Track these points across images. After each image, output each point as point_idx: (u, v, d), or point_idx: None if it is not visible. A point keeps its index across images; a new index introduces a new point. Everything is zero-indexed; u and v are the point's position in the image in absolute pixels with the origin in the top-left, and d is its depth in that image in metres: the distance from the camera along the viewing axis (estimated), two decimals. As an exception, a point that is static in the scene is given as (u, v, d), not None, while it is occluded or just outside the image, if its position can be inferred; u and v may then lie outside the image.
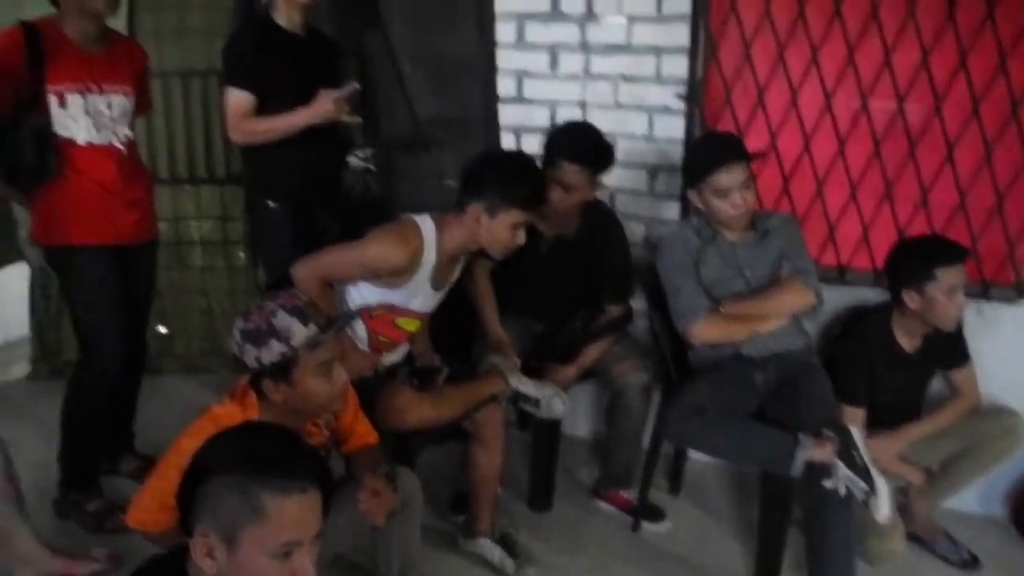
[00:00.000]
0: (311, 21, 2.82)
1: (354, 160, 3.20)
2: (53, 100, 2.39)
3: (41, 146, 2.38)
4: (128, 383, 2.78)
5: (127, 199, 2.57)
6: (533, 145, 2.88)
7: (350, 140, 3.20)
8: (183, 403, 3.18)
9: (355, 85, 2.69)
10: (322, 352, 1.74)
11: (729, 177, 2.36)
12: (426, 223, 2.22)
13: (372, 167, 3.27)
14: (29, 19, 2.41)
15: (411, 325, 2.34)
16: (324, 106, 2.63)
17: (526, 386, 2.37)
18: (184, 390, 3.48)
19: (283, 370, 1.72)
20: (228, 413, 1.75)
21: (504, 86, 3.05)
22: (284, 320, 1.71)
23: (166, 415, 2.66)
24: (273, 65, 2.66)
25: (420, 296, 2.28)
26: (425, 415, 2.26)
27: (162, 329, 3.65)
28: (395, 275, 2.19)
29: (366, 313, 2.26)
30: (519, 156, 2.44)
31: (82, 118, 2.43)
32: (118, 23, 2.96)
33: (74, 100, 2.42)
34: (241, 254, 3.63)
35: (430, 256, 2.22)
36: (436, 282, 2.29)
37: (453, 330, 2.58)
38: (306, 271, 2.16)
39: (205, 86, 3.48)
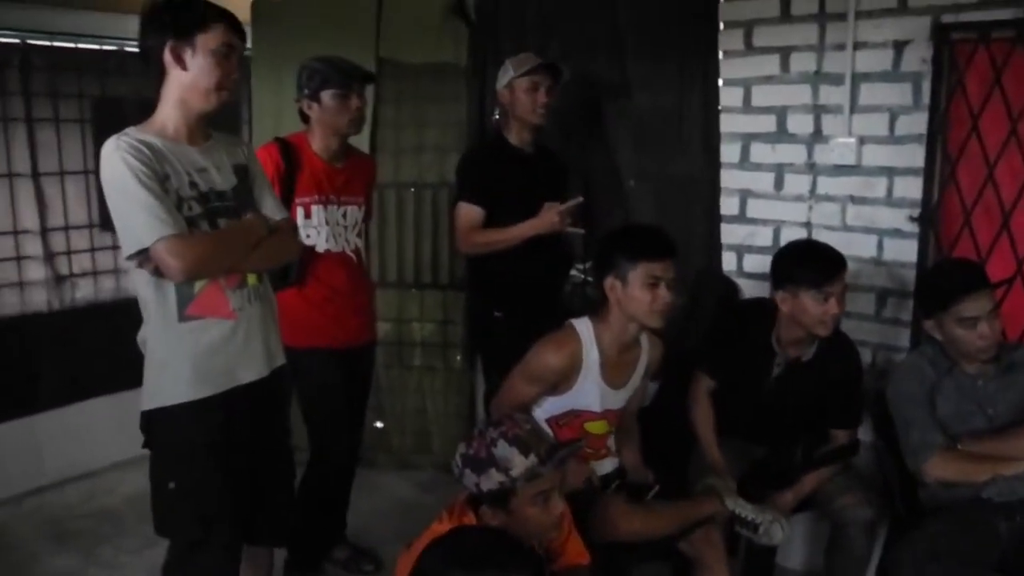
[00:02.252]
0: (540, 139, 3.10)
1: (576, 272, 3.42)
2: (299, 211, 2.72)
3: None
4: (346, 473, 3.04)
5: (354, 304, 2.86)
6: (756, 264, 2.98)
7: (572, 253, 3.42)
8: (394, 498, 3.41)
9: (579, 199, 2.93)
10: (541, 483, 1.82)
11: (976, 306, 2.30)
12: (583, 323, 2.33)
13: (591, 279, 3.48)
14: (284, 136, 2.79)
15: (599, 428, 2.41)
16: (549, 218, 2.87)
17: (744, 509, 2.36)
18: (395, 485, 3.72)
19: (501, 498, 1.81)
20: (442, 530, 1.81)
21: (727, 205, 3.17)
22: (504, 450, 1.80)
23: (377, 508, 2.90)
24: (503, 180, 2.92)
25: (597, 396, 2.35)
26: (636, 528, 2.28)
27: (379, 424, 3.93)
28: (563, 379, 2.31)
29: (554, 423, 2.34)
30: (634, 222, 2.50)
31: (323, 228, 2.75)
32: (362, 138, 3.35)
33: (317, 211, 2.75)
34: (458, 357, 3.90)
35: (592, 353, 2.31)
36: (611, 380, 2.36)
37: (668, 449, 2.63)
38: (498, 410, 2.27)
39: (435, 197, 3.82)
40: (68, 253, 4.08)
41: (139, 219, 1.90)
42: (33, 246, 3.98)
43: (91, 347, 3.85)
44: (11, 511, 3.71)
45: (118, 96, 4.02)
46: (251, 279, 2.11)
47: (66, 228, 4.08)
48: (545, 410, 2.37)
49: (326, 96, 2.73)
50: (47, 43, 3.95)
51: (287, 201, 2.64)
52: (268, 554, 2.38)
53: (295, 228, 2.34)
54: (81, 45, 4.04)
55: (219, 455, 2.05)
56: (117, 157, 1.91)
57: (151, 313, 2.02)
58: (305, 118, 2.80)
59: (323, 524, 2.99)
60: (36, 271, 3.99)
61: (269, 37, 3.84)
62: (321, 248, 2.77)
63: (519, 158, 3.01)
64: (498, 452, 1.81)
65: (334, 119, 2.74)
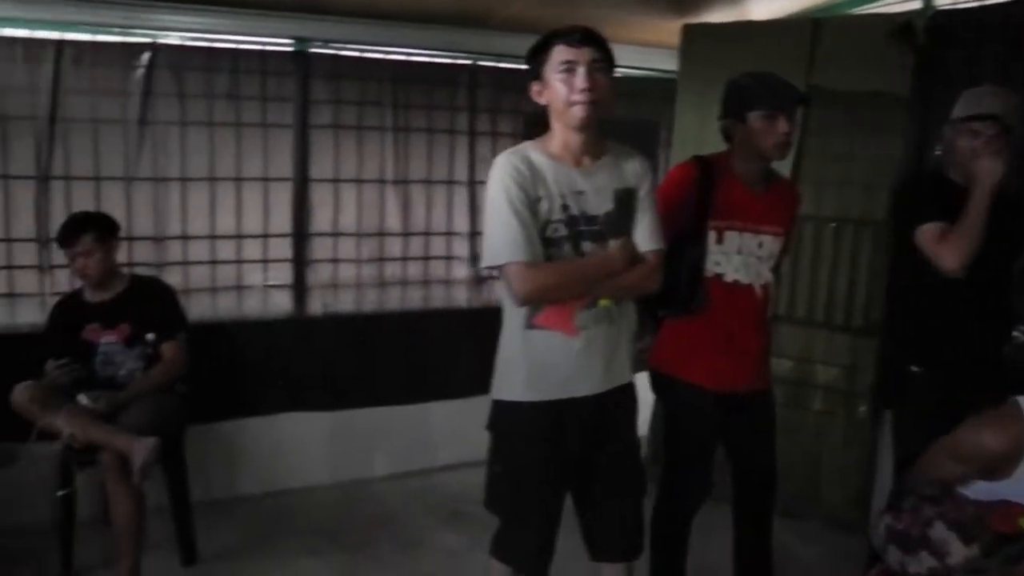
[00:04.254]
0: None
1: (1018, 334, 3.09)
2: (712, 235, 2.60)
3: (692, 278, 2.58)
4: (757, 519, 2.97)
5: (749, 346, 2.69)
6: None
7: (1015, 310, 3.09)
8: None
9: None
10: None
11: None
12: None
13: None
14: (704, 155, 2.68)
15: None
16: None
17: None
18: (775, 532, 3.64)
19: None
20: None
21: None
22: (942, 533, 1.69)
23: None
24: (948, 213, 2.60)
25: None
26: None
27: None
28: (1001, 466, 2.02)
29: (985, 510, 2.12)
30: None
31: (734, 256, 2.61)
32: (784, 167, 3.25)
33: (731, 237, 2.60)
34: (863, 408, 3.72)
35: None
36: None
37: None
38: (916, 484, 2.07)
39: (856, 235, 3.65)
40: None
41: (500, 238, 2.11)
42: (462, 248, 4.50)
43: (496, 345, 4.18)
44: (414, 487, 4.23)
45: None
46: (604, 302, 2.20)
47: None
48: (972, 492, 2.18)
49: (753, 116, 2.58)
50: (493, 64, 4.40)
51: (699, 224, 2.59)
52: (623, 570, 2.40)
53: (662, 261, 2.30)
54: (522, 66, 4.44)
55: (543, 455, 2.24)
56: (499, 175, 2.14)
57: (506, 315, 2.25)
58: (728, 138, 2.70)
59: (675, 564, 2.89)
60: (461, 270, 4.51)
61: (697, 59, 3.93)
62: (729, 278, 2.64)
63: (961, 195, 2.62)
64: (934, 534, 1.70)
65: (759, 141, 2.58)
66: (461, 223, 4.49)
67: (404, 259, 4.39)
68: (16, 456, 3.34)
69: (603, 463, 2.31)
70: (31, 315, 3.67)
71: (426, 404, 4.43)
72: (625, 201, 2.23)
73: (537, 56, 2.16)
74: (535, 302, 2.17)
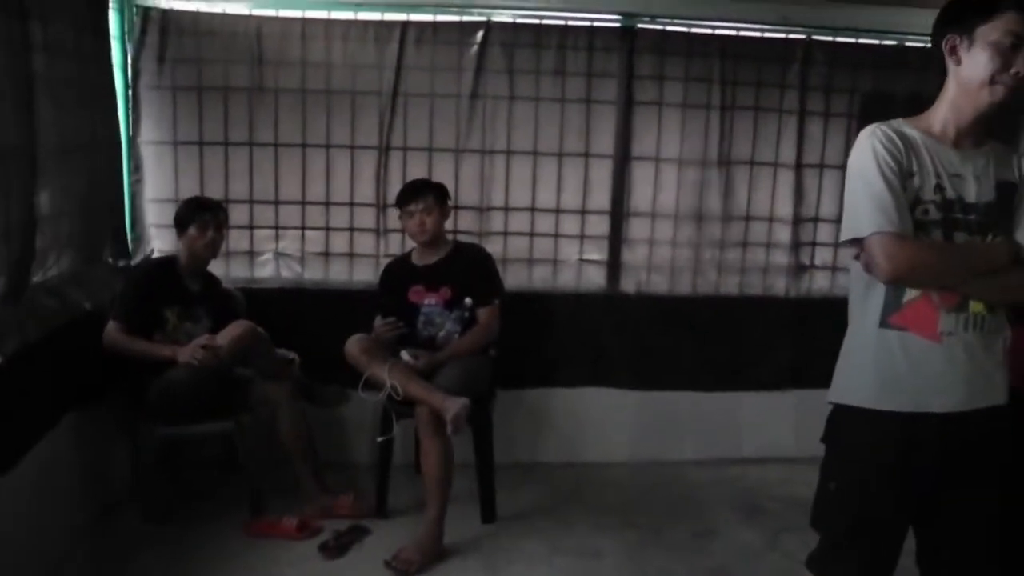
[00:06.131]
0: None
1: None
2: None
3: None
4: None
5: None
6: None
7: None
8: None
9: None
10: None
11: None
12: None
13: None
14: None
15: None
16: None
17: None
18: None
19: None
20: None
21: None
22: None
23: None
24: None
25: None
26: None
27: None
28: None
29: None
30: None
31: None
32: None
33: None
34: None
35: None
36: None
37: None
38: None
39: None
40: (813, 244, 4.33)
41: (865, 208, 1.89)
42: (783, 234, 4.31)
43: (813, 339, 3.96)
44: (714, 475, 4.16)
45: (889, 91, 4.04)
46: (976, 306, 1.92)
47: (815, 220, 4.31)
48: None
49: None
50: (829, 39, 4.16)
51: None
52: None
53: None
54: (861, 40, 4.17)
55: (889, 473, 1.97)
56: (868, 143, 1.92)
57: (855, 309, 2.03)
58: None
59: None
60: (781, 257, 4.32)
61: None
62: None
63: None
64: None
65: None
66: (784, 208, 4.29)
67: (722, 244, 4.29)
68: (347, 399, 3.72)
69: (965, 492, 2.00)
70: (366, 274, 4.06)
71: (734, 393, 4.33)
72: (1006, 194, 1.97)
73: (975, 10, 1.89)
74: (903, 280, 1.92)
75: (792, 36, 4.18)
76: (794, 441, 4.17)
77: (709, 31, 4.12)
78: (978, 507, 2.01)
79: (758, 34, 4.16)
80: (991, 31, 1.85)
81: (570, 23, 4.04)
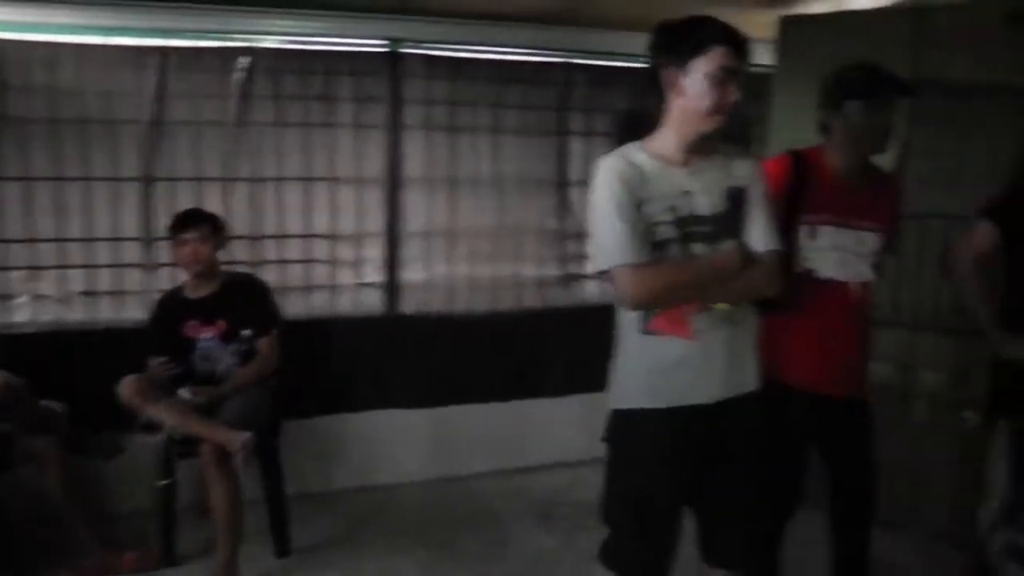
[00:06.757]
0: None
1: None
2: (805, 230, 2.57)
3: (783, 277, 2.40)
4: (855, 529, 2.92)
5: (844, 348, 2.64)
6: None
7: None
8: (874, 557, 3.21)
9: None
10: None
11: None
12: None
13: None
14: (799, 148, 2.65)
15: None
16: None
17: None
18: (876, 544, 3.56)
19: None
20: None
21: None
22: None
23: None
24: None
25: None
26: None
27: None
28: None
29: None
30: None
31: (831, 252, 2.57)
32: (885, 161, 3.17)
33: (826, 233, 2.56)
34: (971, 415, 3.59)
35: None
36: None
37: None
38: None
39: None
40: (581, 256, 4.58)
41: (604, 242, 2.07)
42: (553, 247, 4.53)
43: (590, 345, 4.17)
44: (505, 486, 4.30)
45: (644, 109, 4.35)
46: (721, 304, 2.12)
47: (580, 235, 4.55)
48: None
49: (852, 107, 2.56)
50: (588, 62, 4.44)
51: (792, 219, 2.56)
52: None
53: (782, 261, 2.22)
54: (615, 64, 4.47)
55: (660, 464, 2.18)
56: (603, 178, 2.09)
57: (620, 320, 2.19)
58: (825, 130, 2.66)
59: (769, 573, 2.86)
60: (554, 270, 4.54)
61: (794, 52, 3.86)
62: (823, 274, 2.61)
63: None
64: None
65: (859, 133, 2.57)
66: (549, 222, 4.51)
67: (495, 259, 4.44)
68: (122, 445, 3.54)
69: (727, 472, 2.24)
70: (136, 311, 3.87)
71: (519, 403, 4.51)
72: (736, 200, 2.16)
73: (687, 46, 2.05)
74: (644, 307, 2.11)
75: (552, 59, 4.40)
76: (580, 445, 4.35)
77: (474, 55, 4.25)
78: (738, 483, 2.25)
79: (521, 58, 4.34)
80: (704, 64, 2.04)
81: (337, 48, 4.04)
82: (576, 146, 4.49)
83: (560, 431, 4.49)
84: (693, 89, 2.05)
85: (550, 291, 4.56)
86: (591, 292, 4.61)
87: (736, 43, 2.05)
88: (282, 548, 3.51)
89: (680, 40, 2.07)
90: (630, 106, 4.45)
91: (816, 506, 2.87)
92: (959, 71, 3.49)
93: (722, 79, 2.03)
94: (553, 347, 4.48)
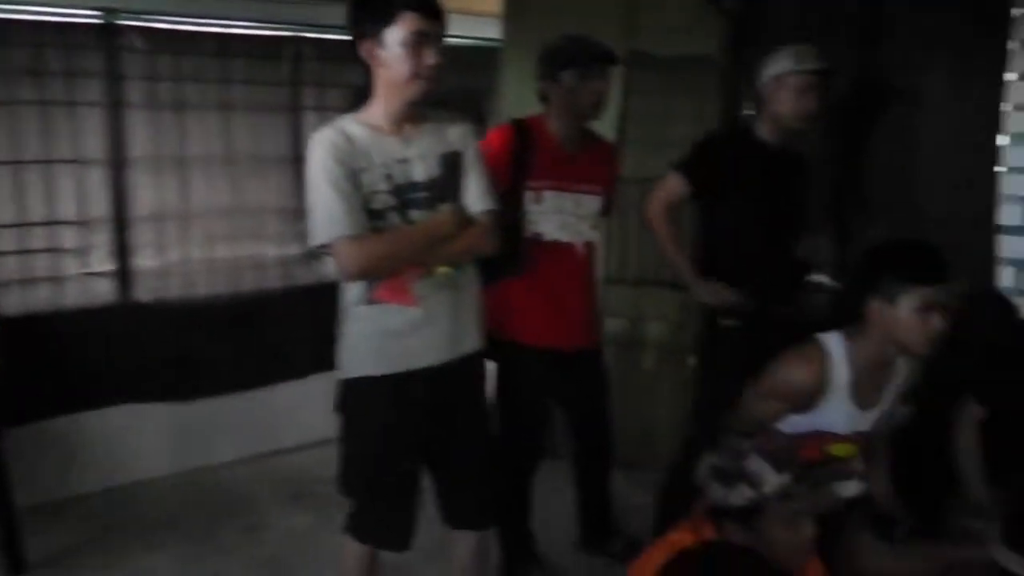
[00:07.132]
0: (792, 140, 2.92)
1: (815, 279, 3.31)
2: (530, 195, 2.71)
3: (512, 241, 2.62)
4: (596, 473, 3.15)
5: (573, 304, 2.83)
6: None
7: (811, 258, 3.29)
8: (616, 497, 3.47)
9: None
10: (793, 503, 1.79)
11: None
12: (833, 339, 2.22)
13: (847, 293, 3.36)
14: (520, 117, 2.79)
15: (844, 450, 2.32)
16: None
17: (1012, 562, 2.17)
18: (616, 484, 3.79)
19: (748, 516, 1.80)
20: (681, 539, 1.88)
21: (1009, 214, 3.00)
22: (757, 465, 1.79)
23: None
24: (736, 169, 2.81)
25: (844, 417, 2.25)
26: (887, 569, 2.23)
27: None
28: (808, 398, 2.21)
29: (798, 442, 2.26)
30: (906, 237, 2.32)
31: (553, 216, 2.74)
32: (607, 130, 3.39)
33: (549, 197, 2.72)
34: (691, 360, 3.94)
35: (841, 373, 2.20)
36: (861, 400, 2.26)
37: (923, 481, 2.53)
38: (739, 424, 2.24)
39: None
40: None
41: (320, 215, 2.09)
42: (290, 226, 4.45)
43: (330, 322, 4.15)
44: (257, 470, 4.23)
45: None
46: (441, 268, 2.20)
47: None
48: (788, 426, 2.32)
49: (566, 76, 2.70)
50: (320, 36, 4.35)
51: (518, 185, 2.69)
52: (477, 538, 2.46)
53: (498, 221, 2.31)
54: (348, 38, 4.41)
55: (393, 430, 2.24)
56: (318, 151, 2.10)
57: (344, 292, 2.24)
58: (544, 100, 2.79)
59: (519, 523, 3.02)
60: (292, 249, 4.47)
61: (519, 29, 4.03)
62: (549, 237, 2.76)
63: (760, 149, 2.85)
64: (750, 466, 1.80)
65: (574, 101, 2.71)
66: (287, 200, 4.42)
67: (233, 241, 4.29)
68: None
69: (454, 433, 2.32)
70: None
71: (266, 387, 4.40)
72: (452, 165, 2.22)
73: (377, 17, 2.07)
74: (365, 277, 2.14)
75: (282, 33, 4.29)
76: (328, 423, 4.29)
77: (198, 28, 4.06)
78: (466, 446, 2.36)
79: (248, 31, 4.19)
80: (397, 32, 2.07)
81: (45, 19, 3.71)
82: (311, 122, 4.39)
83: (308, 411, 4.42)
84: (391, 58, 2.08)
85: (292, 270, 4.46)
86: (329, 269, 4.55)
87: (427, 7, 2.08)
88: (15, 564, 3.24)
89: (370, 12, 2.09)
90: (365, 80, 4.42)
91: (557, 455, 3.04)
92: (667, 45, 3.78)
93: (417, 43, 2.07)
94: (298, 327, 4.39)
